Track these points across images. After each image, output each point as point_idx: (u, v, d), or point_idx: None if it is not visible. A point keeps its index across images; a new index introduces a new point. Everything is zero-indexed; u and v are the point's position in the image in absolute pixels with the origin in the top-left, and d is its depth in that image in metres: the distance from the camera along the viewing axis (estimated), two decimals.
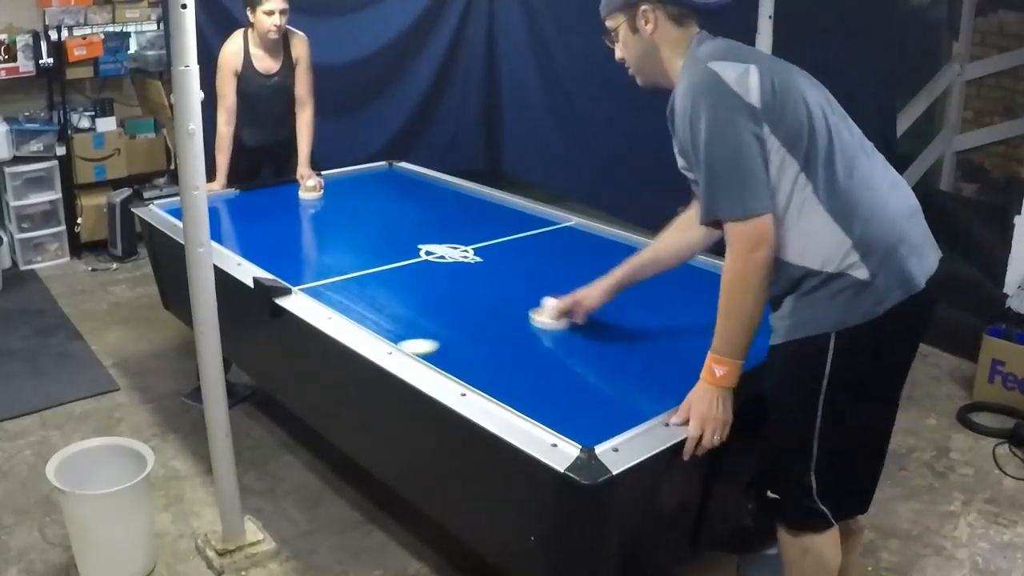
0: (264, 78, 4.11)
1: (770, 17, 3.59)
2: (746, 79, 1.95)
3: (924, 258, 2.05)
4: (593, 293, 2.60)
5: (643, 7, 2.09)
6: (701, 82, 1.97)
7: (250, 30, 4.05)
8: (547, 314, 2.63)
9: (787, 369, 2.06)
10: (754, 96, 1.94)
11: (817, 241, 1.97)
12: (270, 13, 3.92)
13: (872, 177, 2.03)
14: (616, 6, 2.15)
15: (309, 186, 4.04)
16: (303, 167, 4.16)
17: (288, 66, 4.13)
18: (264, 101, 4.14)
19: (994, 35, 5.21)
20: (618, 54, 2.20)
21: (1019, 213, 3.83)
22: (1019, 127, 5.09)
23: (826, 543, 2.15)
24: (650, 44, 2.12)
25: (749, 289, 1.97)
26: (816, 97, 2.03)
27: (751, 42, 3.70)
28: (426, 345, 2.52)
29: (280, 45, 4.09)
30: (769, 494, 2.15)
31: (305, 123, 4.21)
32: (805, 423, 2.04)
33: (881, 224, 1.98)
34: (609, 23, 2.18)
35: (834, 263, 1.97)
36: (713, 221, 2.02)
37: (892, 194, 2.05)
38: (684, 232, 2.47)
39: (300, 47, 4.15)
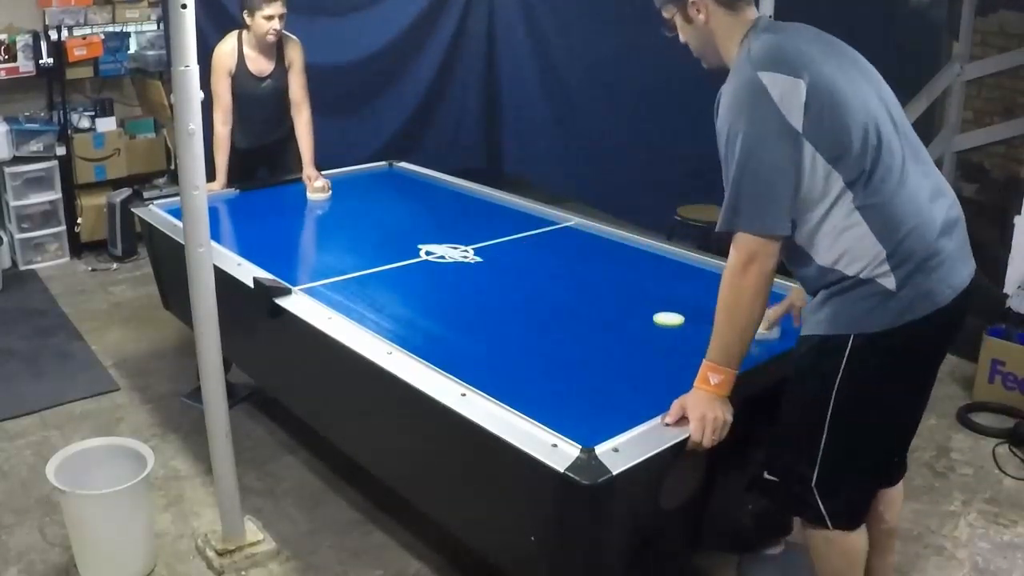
0: (257, 80, 4.12)
1: (770, 17, 3.59)
2: (793, 98, 1.92)
3: (955, 272, 2.03)
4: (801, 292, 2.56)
5: None
6: (747, 93, 1.96)
7: (245, 32, 4.06)
8: (763, 325, 2.45)
9: (805, 361, 2.09)
10: (797, 118, 1.92)
11: (855, 250, 1.98)
12: (269, 18, 3.93)
13: (915, 188, 2.01)
14: None
15: (317, 187, 4.04)
16: (309, 168, 4.16)
17: (281, 69, 4.15)
18: (257, 103, 4.15)
19: (994, 35, 5.21)
20: (681, 38, 2.19)
21: (1019, 213, 3.83)
22: (1019, 127, 5.09)
23: (852, 534, 2.16)
24: (706, 32, 2.12)
25: (746, 301, 1.99)
26: (867, 104, 2.00)
27: None
28: (675, 318, 2.70)
29: (274, 47, 4.10)
30: (767, 475, 2.18)
31: (304, 125, 4.21)
32: (818, 416, 2.06)
33: (918, 238, 1.98)
34: (665, 14, 2.18)
35: (867, 270, 1.98)
36: (727, 232, 2.02)
37: (933, 205, 2.03)
38: None
39: (293, 50, 4.16)
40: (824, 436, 2.06)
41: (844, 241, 1.98)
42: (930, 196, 2.04)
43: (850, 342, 2.00)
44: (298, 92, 4.18)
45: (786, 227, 1.96)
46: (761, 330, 2.44)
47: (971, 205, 5.12)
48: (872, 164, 1.96)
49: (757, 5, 3.56)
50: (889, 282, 1.97)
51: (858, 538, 2.20)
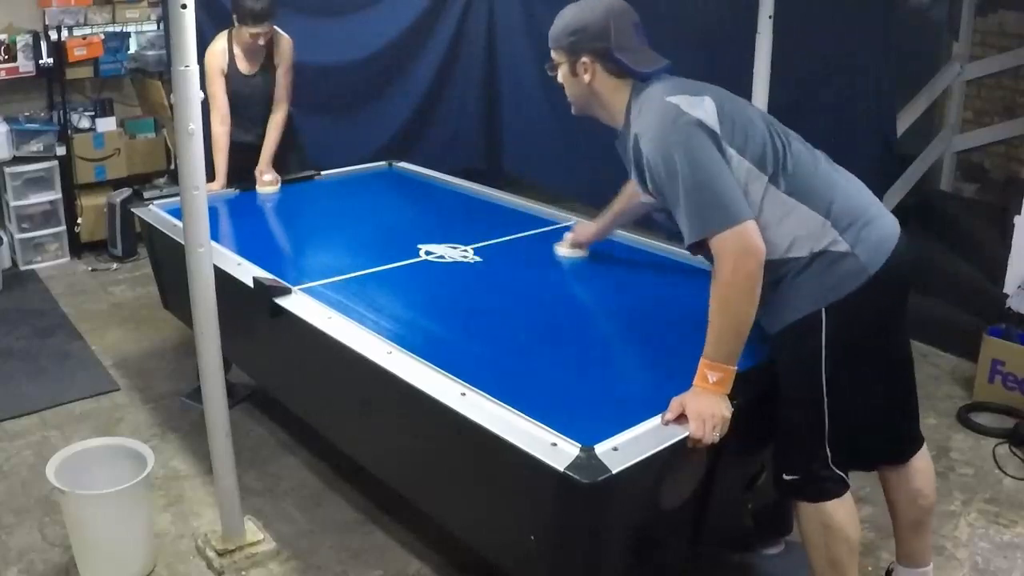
0: (246, 78, 4.13)
1: (770, 17, 3.59)
2: (703, 107, 2.09)
3: (887, 220, 2.19)
4: (591, 226, 3.10)
5: (583, 59, 2.21)
6: (666, 118, 2.09)
7: (235, 31, 4.07)
8: (565, 245, 3.17)
9: (785, 353, 2.17)
10: (712, 122, 2.08)
11: (799, 229, 2.10)
12: (255, 36, 4.00)
13: (828, 170, 2.21)
14: (558, 45, 2.27)
15: (266, 180, 4.09)
16: (263, 163, 4.18)
17: (270, 66, 4.16)
18: (247, 100, 4.16)
19: (994, 35, 5.20)
20: (559, 78, 2.32)
21: (1019, 213, 3.83)
22: (1019, 127, 5.08)
23: (845, 517, 2.21)
24: (588, 89, 2.26)
25: (741, 297, 2.02)
26: (762, 116, 2.24)
27: (751, 43, 3.71)
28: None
29: (264, 46, 4.11)
30: (785, 477, 2.23)
31: (276, 122, 4.24)
32: (813, 399, 2.13)
33: (846, 198, 2.14)
34: (553, 55, 2.30)
35: (819, 244, 2.09)
36: (698, 243, 2.07)
37: (848, 177, 2.24)
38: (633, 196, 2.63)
39: (284, 49, 4.17)
40: (827, 412, 2.13)
41: (787, 227, 2.10)
42: (833, 168, 2.24)
43: (824, 316, 2.08)
44: (280, 90, 4.20)
45: (748, 209, 2.04)
46: (565, 251, 3.15)
47: (971, 205, 5.18)
48: (785, 158, 2.12)
49: (757, 5, 3.60)
50: (842, 245, 2.09)
51: (855, 526, 2.24)
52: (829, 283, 2.08)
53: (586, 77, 2.23)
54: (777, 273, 2.11)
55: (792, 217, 2.10)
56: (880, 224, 2.15)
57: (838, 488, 2.21)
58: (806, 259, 2.09)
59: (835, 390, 2.12)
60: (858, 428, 2.20)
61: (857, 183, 2.24)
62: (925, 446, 2.45)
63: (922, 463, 2.42)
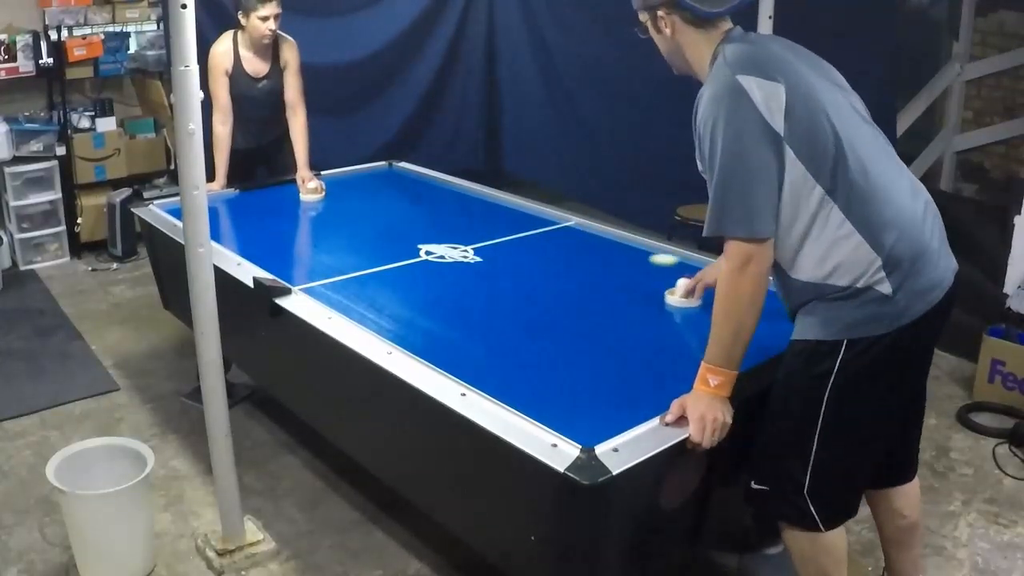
0: (253, 81, 4.12)
1: (770, 17, 3.58)
2: (773, 100, 1.94)
3: (941, 270, 2.06)
4: (713, 270, 2.68)
5: (659, 12, 2.12)
6: (728, 96, 1.96)
7: (240, 32, 4.06)
8: (679, 293, 2.78)
9: (796, 365, 2.08)
10: (779, 121, 1.94)
11: (848, 262, 1.98)
12: (264, 19, 3.94)
13: (896, 188, 2.03)
14: (639, 5, 2.18)
15: (310, 188, 4.06)
16: (303, 170, 4.16)
17: (277, 69, 4.15)
18: (253, 103, 4.15)
19: (994, 35, 5.21)
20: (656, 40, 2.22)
21: (1019, 213, 3.83)
22: (1019, 127, 5.09)
23: (834, 532, 2.16)
24: (673, 43, 2.14)
25: (743, 303, 1.99)
26: (840, 109, 2.03)
27: None
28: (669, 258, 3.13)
29: (269, 48, 4.10)
30: (753, 485, 2.18)
31: (300, 127, 4.21)
32: (808, 421, 2.06)
33: (907, 240, 1.99)
34: (640, 17, 2.20)
35: (863, 279, 1.98)
36: (714, 235, 2.02)
37: (914, 203, 2.06)
38: None
39: (289, 52, 4.16)
40: (816, 440, 2.06)
41: (837, 254, 1.98)
42: (910, 193, 2.06)
43: (843, 347, 2.00)
44: (293, 94, 4.19)
45: (771, 228, 1.96)
46: (680, 300, 2.77)
47: (971, 205, 5.18)
48: (851, 171, 1.97)
49: (757, 6, 3.59)
50: (885, 288, 1.97)
51: (842, 535, 2.20)
52: (859, 318, 1.99)
53: (667, 31, 2.12)
54: (811, 293, 2.03)
55: (845, 245, 1.97)
56: (932, 271, 2.02)
57: (807, 522, 2.12)
58: (846, 290, 1.99)
59: (831, 424, 2.04)
60: (844, 470, 2.11)
61: (926, 210, 2.06)
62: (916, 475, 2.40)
63: (907, 487, 2.36)
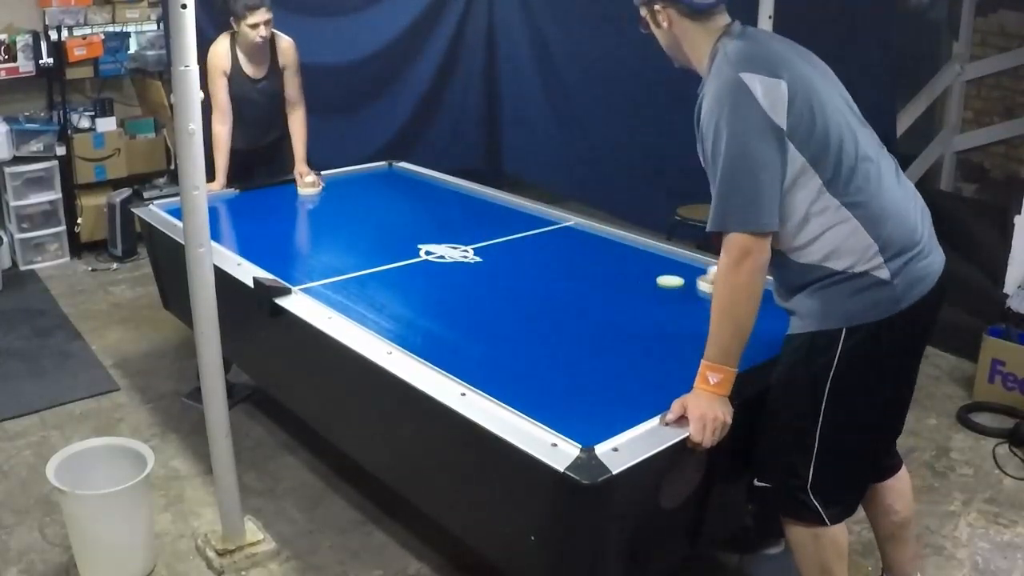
0: (252, 82, 4.12)
1: (770, 17, 3.58)
2: (775, 96, 1.97)
3: (933, 259, 2.11)
4: None
5: (656, 6, 2.14)
6: (730, 93, 1.98)
7: (237, 35, 4.06)
8: (711, 279, 2.70)
9: (795, 358, 2.09)
10: (781, 116, 1.97)
11: (845, 246, 2.01)
12: (254, 26, 3.95)
13: (890, 182, 2.08)
14: (636, 1, 2.20)
15: (308, 182, 4.09)
16: (300, 164, 4.18)
17: (275, 71, 4.15)
18: (252, 104, 4.16)
19: (994, 35, 5.20)
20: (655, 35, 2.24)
21: (1019, 213, 3.83)
22: (1019, 127, 5.08)
23: (837, 527, 2.17)
24: (671, 36, 2.17)
25: (740, 297, 2.00)
26: (836, 104, 2.07)
27: None
28: (676, 280, 2.99)
29: (267, 49, 4.10)
30: (756, 482, 2.19)
31: (299, 123, 4.24)
32: (809, 415, 2.07)
33: (903, 226, 2.04)
34: (641, 11, 2.21)
35: (860, 264, 2.01)
36: (716, 233, 2.03)
37: (905, 194, 2.11)
38: None
39: (288, 52, 4.16)
40: (818, 434, 2.08)
41: (834, 238, 2.01)
42: (900, 186, 2.11)
43: (842, 336, 2.03)
44: (293, 92, 4.20)
45: (775, 222, 1.98)
46: (712, 286, 2.57)
47: (971, 205, 5.18)
48: (851, 164, 2.01)
49: (757, 6, 3.59)
50: (884, 273, 2.01)
51: (844, 530, 2.22)
52: (859, 306, 2.01)
53: (665, 24, 2.14)
54: (807, 277, 2.05)
55: (841, 229, 2.00)
56: (927, 260, 2.08)
57: (812, 517, 2.14)
58: (842, 274, 2.02)
59: (833, 416, 2.06)
60: (846, 462, 2.12)
61: (915, 204, 2.13)
62: (904, 468, 2.42)
63: (895, 482, 2.38)
